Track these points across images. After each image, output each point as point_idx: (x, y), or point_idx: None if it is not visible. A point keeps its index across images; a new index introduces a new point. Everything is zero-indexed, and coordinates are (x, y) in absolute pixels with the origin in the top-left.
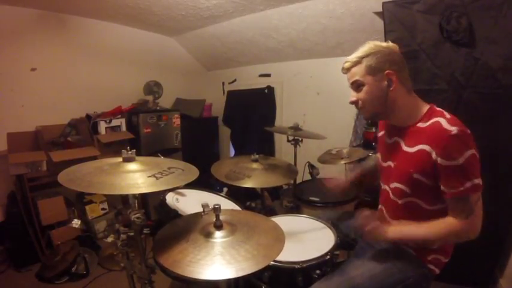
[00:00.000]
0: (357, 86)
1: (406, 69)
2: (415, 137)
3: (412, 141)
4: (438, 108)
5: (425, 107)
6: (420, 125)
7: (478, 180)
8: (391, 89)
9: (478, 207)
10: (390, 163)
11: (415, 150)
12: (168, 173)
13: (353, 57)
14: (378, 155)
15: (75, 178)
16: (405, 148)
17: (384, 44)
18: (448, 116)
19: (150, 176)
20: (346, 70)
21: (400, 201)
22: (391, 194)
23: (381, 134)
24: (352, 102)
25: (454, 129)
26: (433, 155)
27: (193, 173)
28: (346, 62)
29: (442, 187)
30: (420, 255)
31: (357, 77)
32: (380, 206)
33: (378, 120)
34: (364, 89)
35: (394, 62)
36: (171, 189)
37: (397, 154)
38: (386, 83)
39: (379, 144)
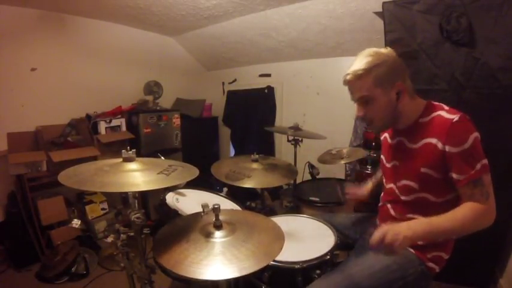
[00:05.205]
0: (364, 101)
1: (408, 73)
2: (418, 132)
3: (415, 138)
4: (436, 103)
5: (423, 103)
6: (421, 120)
7: (485, 161)
8: (400, 100)
9: (492, 191)
10: (395, 162)
11: (420, 145)
12: (173, 170)
13: (357, 69)
14: (382, 157)
15: (84, 179)
16: (409, 145)
17: (384, 50)
18: (446, 108)
19: (159, 173)
20: (349, 83)
21: (408, 198)
22: (397, 191)
23: (383, 136)
24: (360, 117)
25: (455, 117)
26: (440, 146)
27: (193, 169)
28: (348, 74)
29: (454, 176)
30: (420, 253)
31: (364, 92)
32: (382, 204)
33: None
34: (374, 104)
35: (400, 71)
36: (171, 188)
37: (401, 153)
38: (395, 95)
39: (383, 147)
